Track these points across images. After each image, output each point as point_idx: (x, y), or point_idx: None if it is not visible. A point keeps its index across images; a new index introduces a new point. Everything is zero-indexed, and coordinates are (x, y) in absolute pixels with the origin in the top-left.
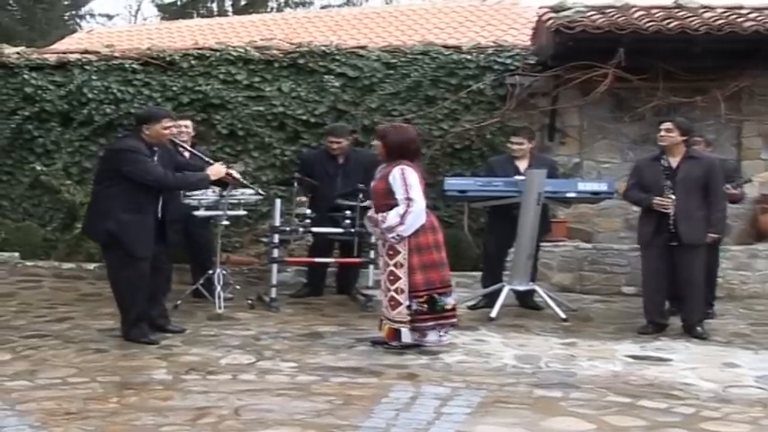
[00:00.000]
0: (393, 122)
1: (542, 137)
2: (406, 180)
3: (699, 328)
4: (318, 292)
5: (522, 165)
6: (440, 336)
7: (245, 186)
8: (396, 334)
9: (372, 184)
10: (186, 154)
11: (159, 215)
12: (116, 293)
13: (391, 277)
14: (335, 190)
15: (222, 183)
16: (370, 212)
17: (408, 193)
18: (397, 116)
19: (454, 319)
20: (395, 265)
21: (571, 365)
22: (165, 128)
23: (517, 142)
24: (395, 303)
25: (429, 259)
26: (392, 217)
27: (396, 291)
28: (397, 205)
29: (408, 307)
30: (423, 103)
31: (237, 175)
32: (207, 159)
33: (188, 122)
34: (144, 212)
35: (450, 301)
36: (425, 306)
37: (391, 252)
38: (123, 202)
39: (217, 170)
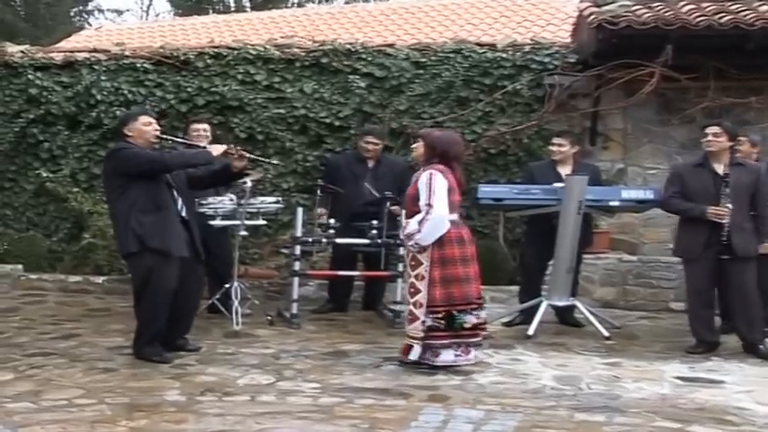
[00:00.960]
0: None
1: (583, 141)
2: (431, 186)
3: (762, 347)
4: (343, 308)
5: (565, 171)
6: (456, 355)
7: (255, 162)
8: (409, 350)
9: (407, 190)
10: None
11: (184, 214)
12: (139, 309)
13: (412, 289)
14: (363, 196)
15: (237, 174)
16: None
17: (429, 199)
18: (426, 119)
19: (476, 338)
20: (416, 277)
21: (615, 387)
22: (146, 124)
23: (558, 143)
24: (412, 317)
25: (452, 273)
26: (412, 224)
27: (414, 304)
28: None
29: (423, 323)
30: (454, 104)
31: (240, 149)
32: (203, 146)
33: (206, 126)
34: (163, 209)
35: (470, 320)
36: (442, 323)
37: (413, 263)
38: (139, 204)
39: (216, 146)
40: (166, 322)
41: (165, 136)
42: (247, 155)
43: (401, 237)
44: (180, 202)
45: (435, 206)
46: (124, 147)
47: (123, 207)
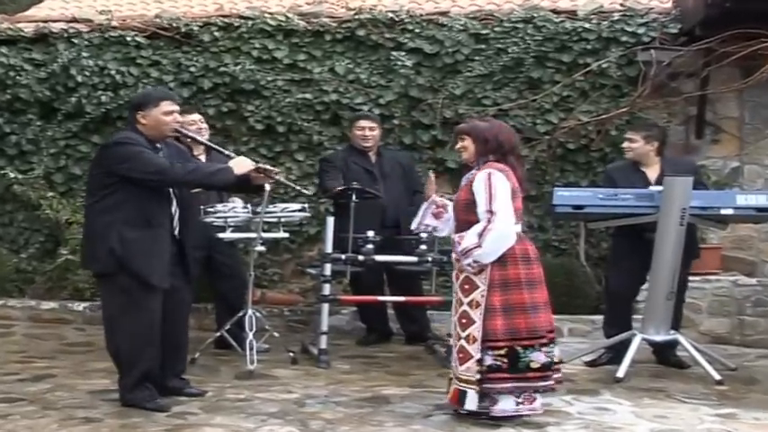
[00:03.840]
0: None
1: (687, 133)
2: (491, 188)
3: None
4: (387, 337)
5: (652, 173)
6: (517, 403)
7: (284, 185)
8: (461, 397)
9: (456, 194)
10: (201, 156)
11: (176, 233)
12: (113, 343)
13: (463, 320)
14: (382, 199)
15: (253, 187)
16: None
17: (490, 204)
18: (489, 106)
19: (545, 382)
20: (469, 305)
21: None
22: (167, 113)
23: (628, 138)
24: (464, 356)
25: (516, 299)
26: (469, 236)
27: (467, 338)
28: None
29: (479, 361)
30: (524, 88)
31: (273, 170)
32: (228, 153)
33: (196, 116)
34: (155, 226)
35: (538, 358)
36: (504, 361)
37: (467, 287)
38: (126, 214)
39: (242, 162)
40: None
41: (184, 131)
42: (277, 178)
43: (453, 253)
44: (176, 216)
45: (499, 214)
46: (130, 141)
47: (105, 214)
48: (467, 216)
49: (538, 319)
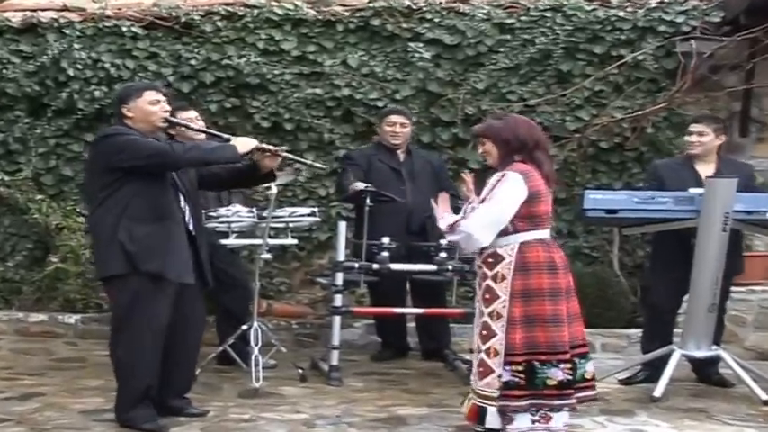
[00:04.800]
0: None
1: (731, 130)
2: (493, 189)
3: None
4: (403, 352)
5: (706, 171)
6: (533, 421)
7: (296, 162)
8: (480, 414)
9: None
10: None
11: (191, 228)
12: (117, 350)
13: (484, 332)
14: (407, 202)
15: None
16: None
17: (479, 202)
18: (514, 101)
19: (564, 401)
20: (490, 315)
21: None
22: (152, 102)
23: (697, 131)
24: (484, 370)
25: (538, 311)
26: (447, 219)
27: (487, 352)
28: (509, 231)
29: (500, 377)
30: (552, 82)
31: (277, 149)
32: (227, 137)
33: (191, 113)
34: (166, 219)
35: (556, 375)
36: (522, 377)
37: (488, 296)
38: (133, 210)
39: (244, 141)
40: (159, 375)
41: (176, 120)
42: (284, 154)
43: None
44: (188, 211)
45: (472, 218)
46: (118, 132)
47: (109, 214)
48: None
49: (560, 333)
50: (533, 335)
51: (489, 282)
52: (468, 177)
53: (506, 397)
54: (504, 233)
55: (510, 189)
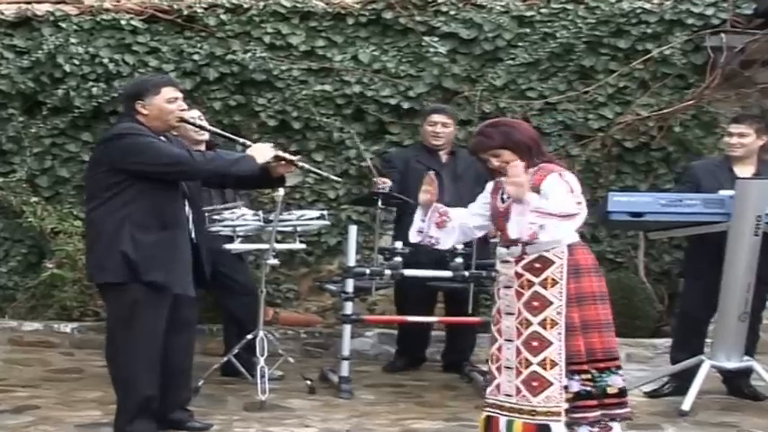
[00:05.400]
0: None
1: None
2: (571, 187)
3: None
4: (417, 363)
5: (745, 173)
6: None
7: (312, 173)
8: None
9: (508, 203)
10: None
11: (193, 236)
12: (115, 362)
13: (534, 343)
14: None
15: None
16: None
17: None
18: (534, 98)
19: (624, 410)
20: (542, 324)
21: None
22: (170, 100)
23: (737, 133)
24: (540, 384)
25: (592, 315)
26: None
27: (542, 364)
28: None
29: (567, 388)
30: (574, 78)
31: (295, 159)
32: (243, 141)
33: (195, 112)
34: (171, 228)
35: (616, 382)
36: (591, 386)
37: (536, 303)
38: (138, 215)
39: (261, 150)
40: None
41: (193, 120)
42: (301, 164)
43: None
44: (191, 216)
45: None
46: (135, 131)
47: (112, 217)
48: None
49: (613, 338)
50: (591, 341)
51: (537, 288)
52: (433, 178)
53: (580, 408)
54: None
55: (578, 186)
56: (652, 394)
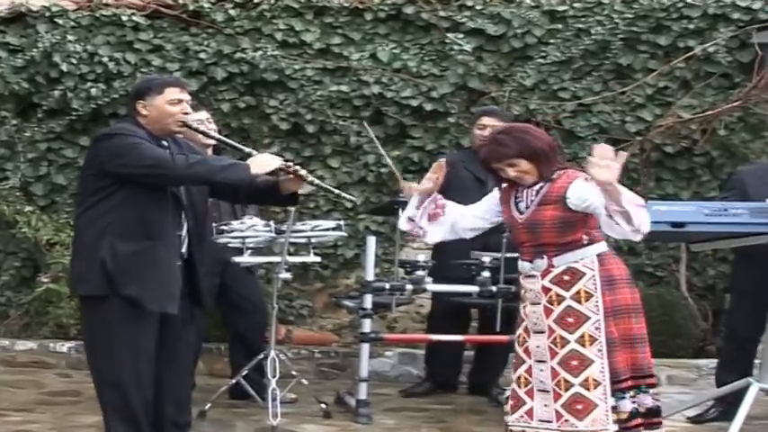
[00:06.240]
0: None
1: None
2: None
3: None
4: (447, 388)
5: None
6: None
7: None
8: None
9: (528, 214)
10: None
11: (184, 250)
12: (99, 384)
13: (573, 362)
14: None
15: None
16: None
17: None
18: (567, 99)
19: (657, 431)
20: (579, 342)
21: None
22: (173, 102)
23: None
24: (585, 406)
25: (628, 330)
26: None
27: (585, 384)
28: (584, 242)
29: (615, 408)
30: (610, 77)
31: (302, 172)
32: (249, 151)
33: (202, 114)
34: (155, 239)
35: (644, 402)
36: (636, 403)
37: (571, 320)
38: (121, 223)
39: (263, 160)
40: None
41: (194, 125)
42: (310, 178)
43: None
44: (185, 228)
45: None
46: (122, 132)
47: (94, 224)
48: (564, 237)
49: (646, 355)
50: (631, 357)
51: (570, 302)
52: (442, 165)
53: (635, 427)
54: (577, 245)
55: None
56: (696, 419)
